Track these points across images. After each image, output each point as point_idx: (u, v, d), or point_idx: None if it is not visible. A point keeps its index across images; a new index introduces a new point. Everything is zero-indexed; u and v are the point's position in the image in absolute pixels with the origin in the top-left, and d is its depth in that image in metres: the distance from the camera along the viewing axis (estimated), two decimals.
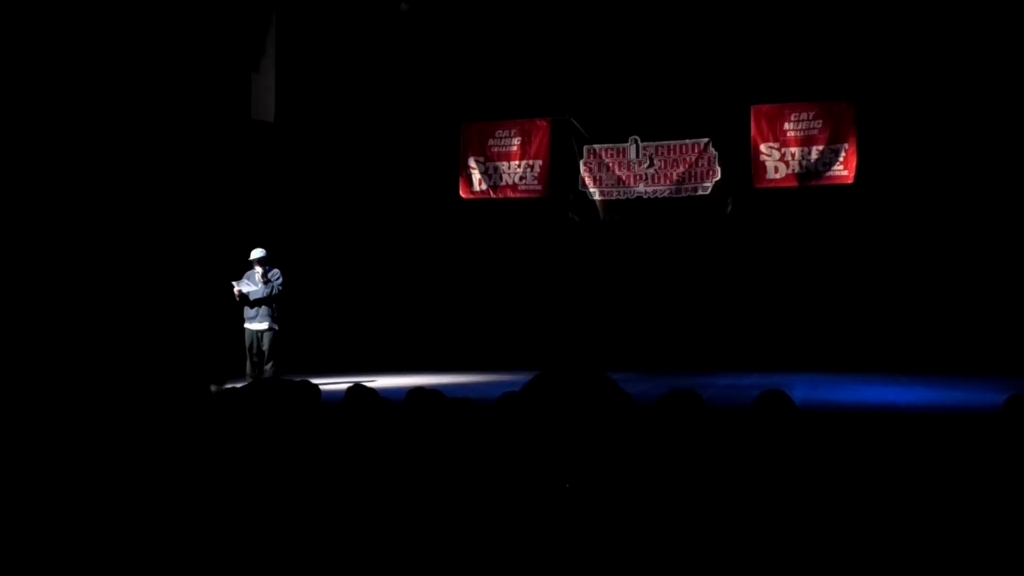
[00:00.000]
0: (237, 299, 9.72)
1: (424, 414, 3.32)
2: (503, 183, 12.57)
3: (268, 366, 9.75)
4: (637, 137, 12.06)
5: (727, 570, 2.24)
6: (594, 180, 12.23)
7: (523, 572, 2.26)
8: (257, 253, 9.75)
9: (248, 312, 9.79)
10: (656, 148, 12.00)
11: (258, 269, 9.72)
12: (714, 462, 2.65)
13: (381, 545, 2.48)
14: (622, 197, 12.12)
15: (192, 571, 2.49)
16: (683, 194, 11.87)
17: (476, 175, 12.64)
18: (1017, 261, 10.38)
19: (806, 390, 8.40)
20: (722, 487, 2.49)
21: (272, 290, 9.71)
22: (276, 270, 9.84)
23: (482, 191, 12.65)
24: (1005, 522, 2.36)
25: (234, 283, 9.75)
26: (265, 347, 9.75)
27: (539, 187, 12.43)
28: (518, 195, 12.54)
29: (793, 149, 11.34)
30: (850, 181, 11.08)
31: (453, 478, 2.66)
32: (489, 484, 2.51)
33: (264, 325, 9.75)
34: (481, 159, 12.63)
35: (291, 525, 2.57)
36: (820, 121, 11.24)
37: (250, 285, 9.77)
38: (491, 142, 12.62)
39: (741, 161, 11.55)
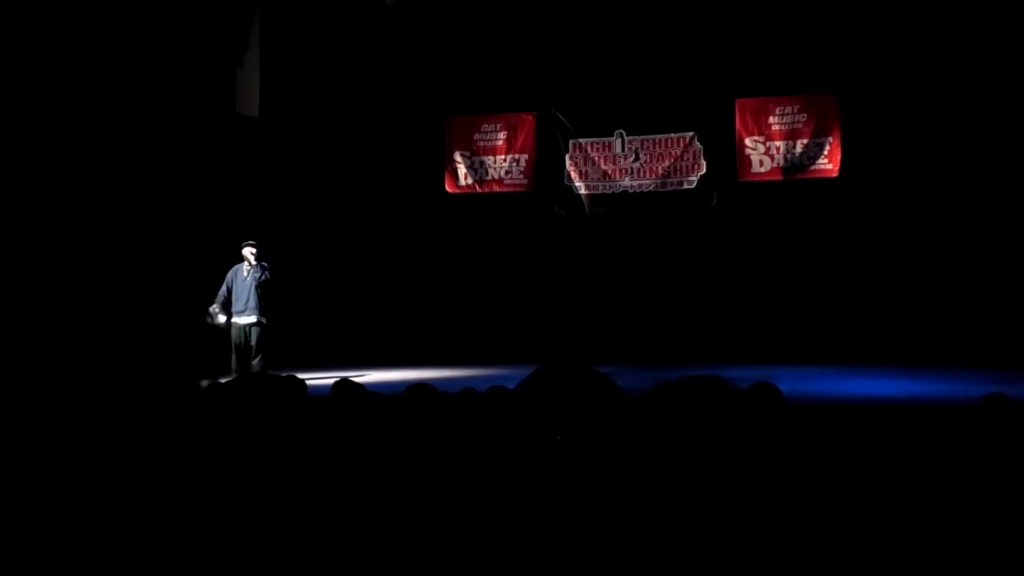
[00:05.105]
0: (208, 320, 9.75)
1: (415, 408, 3.32)
2: (489, 177, 12.57)
3: (256, 360, 9.73)
4: (622, 131, 12.08)
5: (716, 562, 2.26)
6: (580, 174, 12.24)
7: (515, 566, 2.27)
8: (249, 244, 9.83)
9: (236, 306, 9.77)
10: (641, 142, 12.02)
11: (249, 257, 9.74)
12: (703, 454, 2.67)
13: (367, 541, 2.49)
14: (608, 191, 12.14)
15: (179, 566, 2.49)
16: (668, 188, 11.90)
17: (462, 169, 12.63)
18: (1002, 254, 10.45)
19: (791, 382, 8.44)
20: (711, 479, 2.51)
21: (262, 276, 9.73)
22: (264, 263, 9.89)
23: (468, 185, 12.64)
24: (987, 516, 2.38)
25: (214, 309, 9.75)
26: (253, 342, 9.74)
27: (525, 181, 12.44)
28: (504, 189, 12.53)
29: (778, 143, 11.38)
30: (835, 174, 11.13)
31: (444, 473, 2.66)
32: (482, 479, 2.51)
33: (252, 319, 9.73)
34: (467, 153, 12.62)
35: (276, 520, 2.57)
36: (805, 115, 11.29)
37: (239, 280, 9.77)
38: (477, 136, 12.62)
39: (726, 155, 11.59)
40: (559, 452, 2.54)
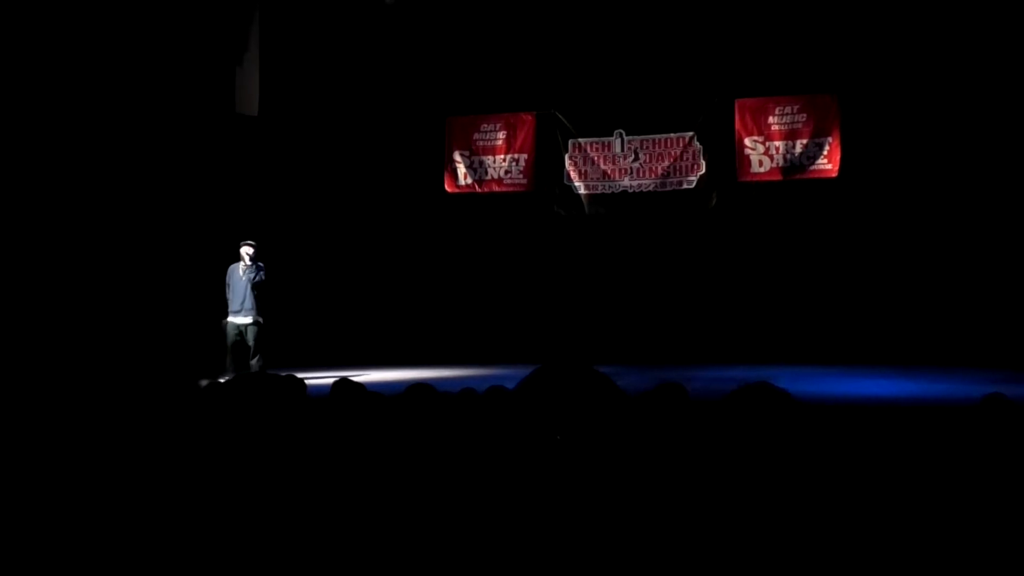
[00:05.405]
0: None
1: (414, 408, 3.32)
2: (488, 177, 12.57)
3: (255, 360, 9.74)
4: (622, 131, 12.08)
5: (716, 562, 2.26)
6: (579, 174, 12.24)
7: (515, 566, 2.27)
8: (247, 243, 9.83)
9: (232, 305, 9.78)
10: (641, 142, 12.02)
11: (244, 256, 9.75)
12: (702, 454, 2.67)
13: (367, 541, 2.49)
14: (607, 191, 12.14)
15: (179, 566, 2.49)
16: (668, 188, 11.90)
17: (461, 169, 12.63)
18: (1001, 254, 10.46)
19: (790, 382, 8.42)
20: (710, 479, 2.51)
21: (256, 276, 9.73)
22: (260, 263, 9.89)
23: (467, 185, 12.65)
24: (987, 516, 2.38)
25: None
26: (251, 341, 9.74)
27: (524, 181, 12.44)
28: (503, 189, 12.53)
29: (777, 143, 11.38)
30: (834, 175, 11.13)
31: (443, 473, 2.66)
32: (481, 479, 2.51)
33: (249, 319, 9.74)
34: (466, 153, 12.62)
35: (276, 520, 2.57)
36: (804, 115, 11.29)
37: (235, 279, 9.78)
38: (476, 136, 12.62)
39: (726, 155, 11.59)
40: (558, 452, 2.54)
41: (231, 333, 9.77)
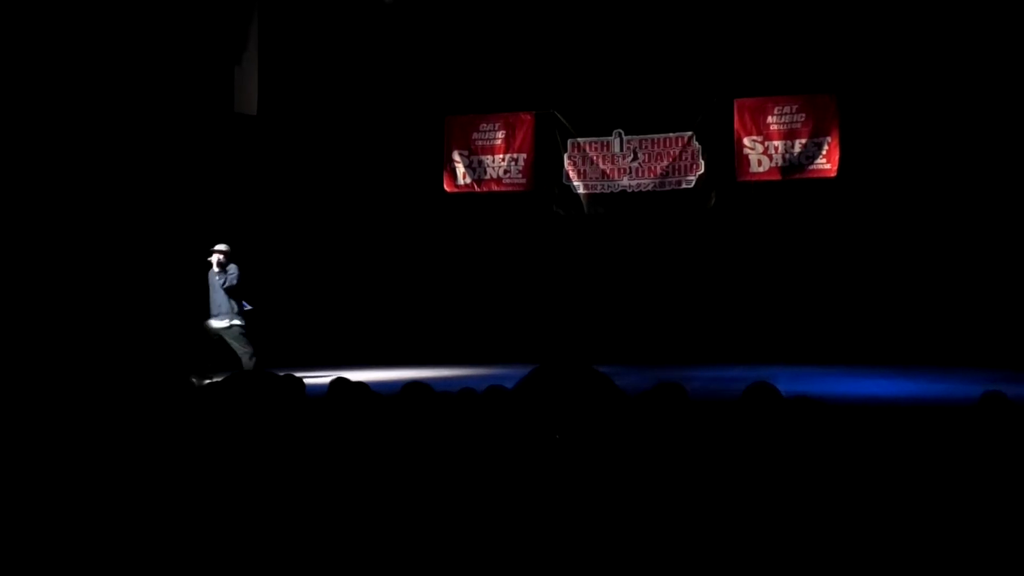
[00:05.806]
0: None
1: (413, 407, 3.32)
2: (487, 177, 12.56)
3: (249, 359, 9.73)
4: (621, 131, 12.08)
5: (714, 561, 2.26)
6: (578, 174, 12.24)
7: (514, 565, 2.27)
8: (220, 247, 9.80)
9: (212, 309, 9.83)
10: (640, 142, 12.01)
11: (213, 262, 9.75)
12: (702, 453, 2.67)
13: (365, 539, 2.48)
14: (606, 191, 12.14)
15: (178, 565, 2.48)
16: (667, 188, 11.89)
17: (460, 169, 12.63)
18: (1000, 254, 10.45)
19: (790, 382, 8.43)
20: (710, 478, 2.51)
21: (224, 281, 9.73)
22: (233, 265, 9.85)
23: (466, 185, 12.64)
24: (986, 515, 2.38)
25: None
26: (233, 343, 9.75)
27: (523, 181, 12.43)
28: (503, 189, 12.53)
29: (776, 142, 11.38)
30: (833, 174, 11.13)
31: (442, 471, 2.66)
32: (480, 477, 2.51)
33: (224, 323, 9.76)
34: (465, 152, 12.62)
35: (275, 518, 2.57)
36: (803, 114, 11.29)
37: (212, 283, 9.82)
38: (475, 135, 12.61)
39: (725, 154, 11.59)
40: (558, 452, 2.53)
41: (209, 335, 9.82)
